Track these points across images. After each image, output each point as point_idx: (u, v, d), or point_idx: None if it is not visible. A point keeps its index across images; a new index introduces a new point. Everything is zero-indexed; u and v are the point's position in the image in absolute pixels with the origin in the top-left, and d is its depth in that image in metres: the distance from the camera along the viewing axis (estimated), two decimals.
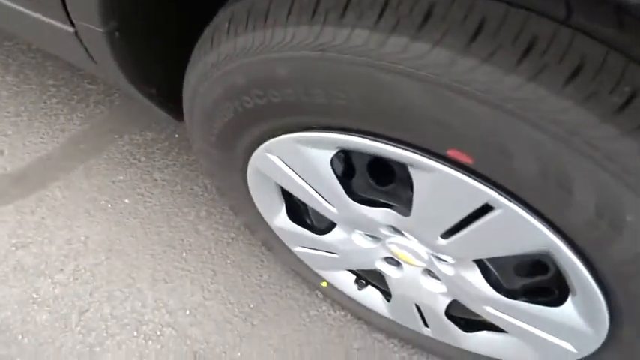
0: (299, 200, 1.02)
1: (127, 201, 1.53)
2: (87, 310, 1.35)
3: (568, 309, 0.74)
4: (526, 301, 0.80)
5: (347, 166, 0.82)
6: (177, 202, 1.54)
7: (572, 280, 0.69)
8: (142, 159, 1.63)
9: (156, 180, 1.58)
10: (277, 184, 0.97)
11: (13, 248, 1.44)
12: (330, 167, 0.77)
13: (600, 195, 0.52)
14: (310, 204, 0.91)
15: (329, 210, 0.88)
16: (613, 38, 0.48)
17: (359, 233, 0.95)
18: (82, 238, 1.46)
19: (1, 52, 1.85)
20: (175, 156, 1.64)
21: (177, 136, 1.69)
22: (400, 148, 0.65)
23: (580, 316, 0.74)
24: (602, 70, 0.48)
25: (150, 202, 1.53)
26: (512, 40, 0.49)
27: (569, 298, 0.74)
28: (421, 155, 0.64)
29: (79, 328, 1.32)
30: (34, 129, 1.67)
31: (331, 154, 0.75)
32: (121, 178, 1.58)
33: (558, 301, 0.76)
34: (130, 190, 1.55)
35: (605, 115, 0.48)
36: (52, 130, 1.67)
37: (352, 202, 0.81)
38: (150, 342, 1.31)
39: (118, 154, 1.63)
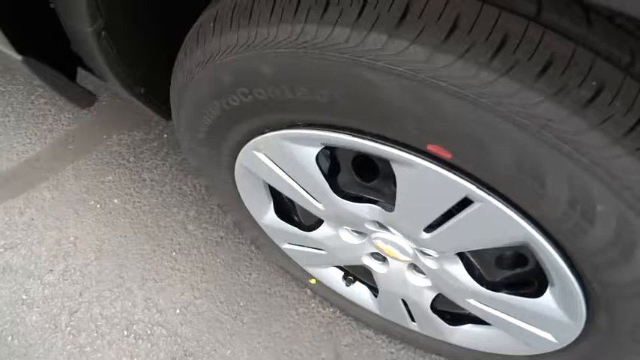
0: (286, 197, 1.04)
1: (116, 201, 1.54)
2: (77, 311, 1.35)
3: (547, 300, 0.76)
4: (507, 293, 0.82)
5: (332, 163, 0.84)
6: (166, 202, 1.54)
7: (550, 272, 0.71)
8: (131, 159, 1.63)
9: (145, 180, 1.59)
10: (265, 182, 0.98)
11: (2, 249, 1.44)
12: (315, 164, 0.79)
13: (572, 187, 0.54)
14: (297, 201, 0.93)
15: (315, 206, 0.89)
16: (581, 35, 0.50)
17: (345, 229, 0.97)
18: (72, 238, 1.46)
19: None
20: (164, 156, 1.64)
21: (165, 136, 1.70)
22: (382, 143, 0.66)
23: (558, 306, 0.76)
24: (570, 65, 0.50)
25: (139, 202, 1.54)
26: (486, 36, 0.51)
27: (548, 290, 0.76)
28: (402, 150, 0.65)
29: (69, 328, 1.32)
30: (22, 129, 1.67)
31: (316, 150, 0.77)
32: (110, 178, 1.58)
33: (538, 292, 0.78)
34: (119, 191, 1.56)
35: (574, 109, 0.50)
36: (39, 131, 1.67)
37: (338, 198, 0.83)
38: (140, 341, 1.32)
39: (106, 155, 1.63)
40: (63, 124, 1.69)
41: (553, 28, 0.51)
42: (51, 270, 1.41)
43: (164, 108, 1.09)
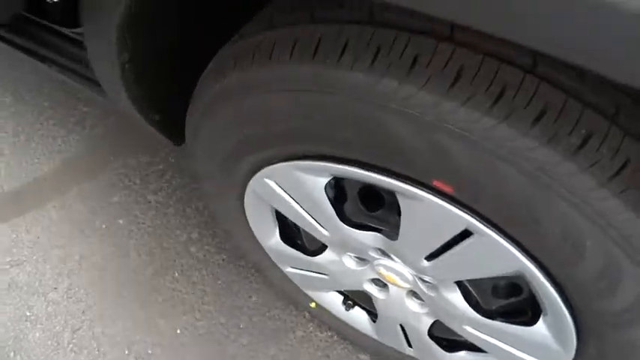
0: (292, 223, 1.08)
1: (121, 222, 1.57)
2: (79, 329, 1.37)
3: (540, 328, 0.81)
4: (502, 321, 0.87)
5: (339, 192, 0.88)
6: (170, 224, 1.58)
7: (543, 301, 0.76)
8: (137, 181, 1.67)
9: (149, 202, 1.63)
10: (272, 207, 1.03)
11: (8, 266, 1.46)
12: (324, 193, 0.84)
13: (563, 223, 0.60)
14: (304, 226, 0.98)
15: (321, 232, 0.94)
16: (572, 87, 0.56)
17: (348, 255, 1.01)
18: (76, 257, 1.49)
19: None
20: (169, 179, 1.69)
21: (171, 159, 1.74)
22: (390, 177, 0.72)
23: (551, 334, 0.80)
24: (562, 114, 0.56)
25: (143, 223, 1.58)
26: (487, 86, 0.57)
27: (541, 318, 0.80)
28: (408, 184, 0.71)
29: (71, 346, 1.34)
30: (31, 149, 1.71)
31: (325, 180, 0.82)
32: (116, 199, 1.62)
33: (531, 321, 0.83)
34: (124, 212, 1.60)
35: (566, 154, 0.55)
36: (48, 152, 1.71)
37: (343, 225, 0.88)
38: None
39: (112, 176, 1.68)
40: (71, 146, 1.73)
41: (547, 80, 0.57)
42: (55, 288, 1.44)
43: (175, 134, 1.14)
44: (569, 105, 0.56)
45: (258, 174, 0.91)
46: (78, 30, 1.06)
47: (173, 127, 1.12)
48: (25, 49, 1.22)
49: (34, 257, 1.48)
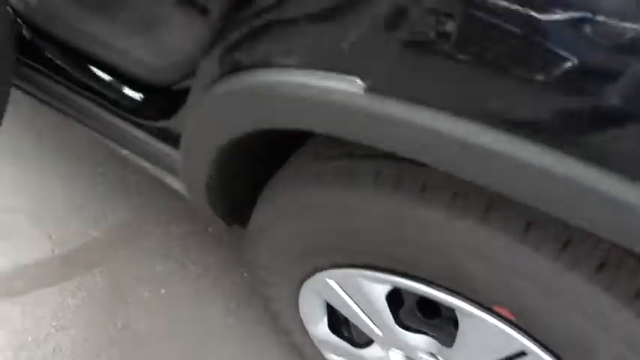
0: (342, 315, 1.15)
1: (163, 291, 1.64)
2: None
3: None
4: None
5: (396, 296, 0.96)
6: (208, 294, 1.64)
7: None
8: (178, 249, 1.75)
9: (190, 272, 1.70)
10: (325, 299, 1.10)
11: (54, 330, 1.52)
12: (384, 300, 0.91)
13: None
14: (356, 323, 1.04)
15: (374, 331, 1.01)
16: None
17: (395, 351, 1.07)
18: (119, 325, 1.55)
19: (56, 141, 2.01)
20: (209, 249, 1.76)
21: (210, 230, 1.83)
22: (452, 296, 0.80)
23: None
24: (621, 265, 0.64)
25: (184, 291, 1.64)
26: (554, 235, 0.66)
27: None
28: (469, 304, 0.78)
29: None
30: (82, 214, 1.80)
31: (387, 289, 0.90)
32: (159, 268, 1.69)
33: None
34: (166, 280, 1.66)
35: (624, 301, 0.63)
36: (97, 217, 1.80)
37: (399, 328, 0.94)
38: None
39: (156, 244, 1.75)
40: (119, 212, 1.82)
41: None
42: (98, 354, 1.49)
43: (232, 219, 1.24)
44: (627, 258, 0.64)
45: (321, 273, 0.99)
46: (157, 124, 1.18)
47: (233, 215, 1.21)
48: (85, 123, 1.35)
49: (79, 322, 1.54)
